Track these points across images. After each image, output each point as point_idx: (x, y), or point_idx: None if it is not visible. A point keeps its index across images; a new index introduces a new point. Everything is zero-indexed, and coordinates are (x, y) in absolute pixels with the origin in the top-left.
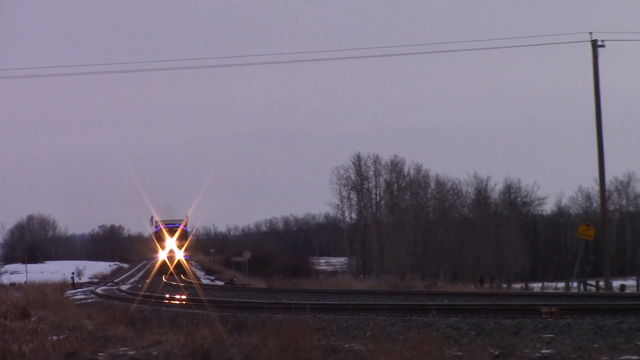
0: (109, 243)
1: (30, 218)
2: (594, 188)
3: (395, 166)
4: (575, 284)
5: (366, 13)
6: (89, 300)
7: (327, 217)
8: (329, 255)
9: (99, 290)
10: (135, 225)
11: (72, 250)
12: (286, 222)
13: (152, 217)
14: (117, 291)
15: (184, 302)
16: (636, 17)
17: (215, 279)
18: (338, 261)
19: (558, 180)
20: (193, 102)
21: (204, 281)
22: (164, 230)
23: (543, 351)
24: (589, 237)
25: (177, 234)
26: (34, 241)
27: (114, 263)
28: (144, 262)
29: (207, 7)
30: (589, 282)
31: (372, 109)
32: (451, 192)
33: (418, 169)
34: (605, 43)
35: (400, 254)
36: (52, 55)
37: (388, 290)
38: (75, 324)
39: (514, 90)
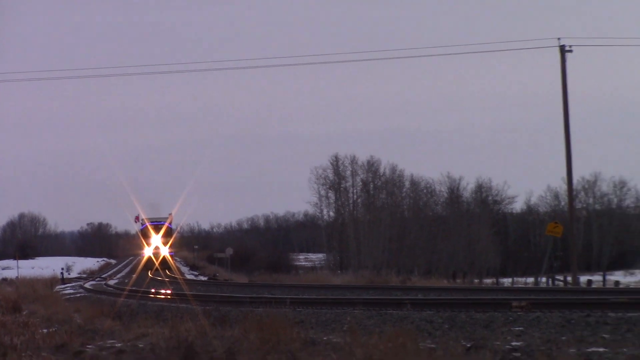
0: (97, 240)
1: (22, 216)
2: (562, 187)
3: (372, 166)
4: (544, 279)
5: (342, 19)
6: (78, 295)
7: (306, 215)
8: (308, 251)
9: (87, 285)
10: (122, 222)
11: (61, 246)
12: (267, 219)
13: (138, 215)
14: (104, 286)
15: (169, 297)
16: (602, 23)
17: (199, 275)
18: (317, 257)
19: (527, 180)
20: (177, 104)
21: (188, 276)
22: (149, 227)
23: (513, 343)
24: (557, 234)
25: (162, 231)
26: (25, 238)
27: (101, 259)
28: (130, 258)
29: (192, 14)
30: (557, 277)
31: (349, 111)
32: (425, 191)
33: (393, 169)
34: (572, 48)
35: (376, 250)
36: (41, 60)
37: (364, 285)
38: (65, 317)
39: (486, 93)
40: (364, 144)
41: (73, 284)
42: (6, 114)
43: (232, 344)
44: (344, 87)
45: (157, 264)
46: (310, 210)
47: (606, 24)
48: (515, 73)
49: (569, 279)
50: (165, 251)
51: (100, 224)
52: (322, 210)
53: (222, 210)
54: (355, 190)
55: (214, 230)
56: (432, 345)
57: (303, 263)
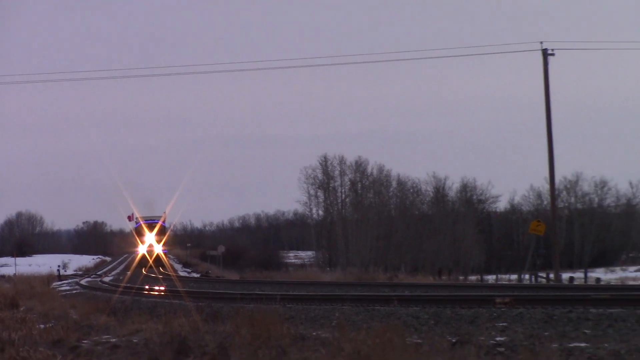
0: (92, 238)
1: (19, 215)
2: (545, 187)
3: (359, 166)
4: (527, 276)
5: (331, 24)
6: (74, 291)
7: (295, 213)
8: (298, 249)
9: (83, 282)
10: (117, 221)
11: (58, 244)
12: (258, 218)
13: (132, 214)
14: (100, 283)
15: (162, 293)
16: (583, 28)
17: (191, 272)
18: (306, 255)
19: (511, 180)
20: (171, 106)
21: (181, 273)
22: (143, 225)
23: (497, 339)
24: (540, 232)
25: (156, 229)
26: (23, 236)
27: (97, 256)
28: (125, 256)
29: (187, 18)
30: (540, 274)
31: (337, 113)
32: (411, 190)
33: (380, 169)
34: (554, 52)
35: (364, 248)
36: (38, 63)
37: (353, 281)
38: (61, 313)
39: (471, 95)
40: (352, 144)
41: (69, 281)
42: (4, 115)
43: (224, 339)
44: (333, 89)
45: (151, 261)
46: (300, 209)
47: (587, 28)
48: (499, 76)
49: (552, 276)
50: (159, 249)
51: (95, 223)
52: (311, 209)
53: (214, 209)
54: (343, 190)
55: (207, 228)
56: (419, 341)
57: (293, 260)
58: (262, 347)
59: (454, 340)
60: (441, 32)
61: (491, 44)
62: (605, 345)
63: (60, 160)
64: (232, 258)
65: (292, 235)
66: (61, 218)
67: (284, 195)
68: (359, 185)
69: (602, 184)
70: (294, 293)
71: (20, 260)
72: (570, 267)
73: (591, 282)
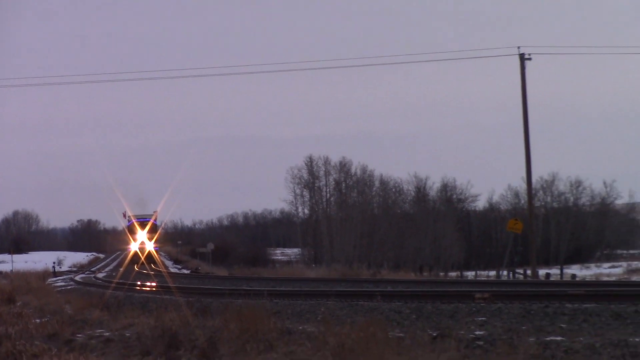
0: (86, 235)
1: (16, 213)
2: (522, 186)
3: (344, 167)
4: (505, 273)
5: (317, 31)
6: (69, 287)
7: (282, 212)
8: (284, 246)
9: (77, 278)
10: (110, 219)
11: (53, 242)
12: (246, 216)
13: (125, 212)
14: (94, 279)
15: (154, 289)
16: (559, 33)
17: (182, 268)
18: (292, 252)
19: (489, 179)
20: (162, 108)
21: (172, 270)
22: (135, 224)
23: (476, 332)
24: (517, 230)
25: (147, 227)
26: (19, 234)
27: (91, 254)
28: (118, 253)
29: (179, 23)
30: (518, 270)
31: (322, 115)
32: (393, 190)
33: (364, 170)
34: (531, 56)
35: (348, 245)
36: (35, 67)
37: (337, 278)
38: (56, 308)
39: (451, 98)
40: (337, 146)
41: (64, 277)
42: (2, 117)
43: (213, 333)
44: (319, 93)
45: (142, 258)
46: (286, 207)
47: (563, 34)
48: (478, 79)
49: (529, 272)
50: (150, 246)
51: (89, 221)
52: (297, 208)
53: (203, 207)
54: (328, 189)
55: (196, 226)
56: (401, 334)
57: (279, 257)
58: (250, 340)
59: (434, 334)
60: (423, 37)
61: (471, 49)
62: (581, 339)
63: (55, 161)
64: (221, 255)
65: (279, 233)
66: (56, 216)
67: (271, 194)
68: (343, 185)
69: (577, 184)
70: (281, 289)
71: (16, 257)
72: (547, 263)
73: (567, 278)
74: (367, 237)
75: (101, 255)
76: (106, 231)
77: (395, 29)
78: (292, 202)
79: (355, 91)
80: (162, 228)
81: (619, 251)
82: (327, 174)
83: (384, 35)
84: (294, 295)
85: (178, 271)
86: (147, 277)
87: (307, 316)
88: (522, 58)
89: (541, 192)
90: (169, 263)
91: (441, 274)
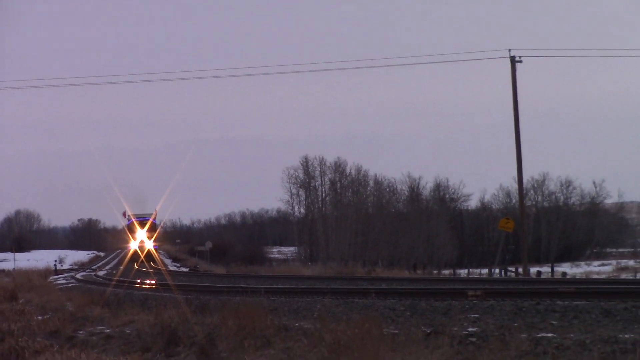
0: (87, 234)
1: (18, 212)
2: (513, 186)
3: (339, 167)
4: (497, 270)
5: (310, 34)
6: (70, 285)
7: (279, 211)
8: (281, 245)
9: (78, 275)
10: (110, 218)
11: (54, 240)
12: (243, 215)
13: (124, 211)
14: (94, 277)
15: (153, 286)
16: (549, 37)
17: (180, 266)
18: (289, 250)
19: (481, 179)
20: (161, 110)
21: (171, 268)
22: (135, 222)
23: (469, 329)
24: (509, 229)
25: (147, 226)
26: (21, 233)
27: (91, 252)
28: (118, 251)
29: (175, 27)
30: (509, 268)
31: (318, 117)
32: (387, 189)
33: (358, 170)
34: (522, 59)
35: (343, 243)
36: (36, 70)
37: (333, 275)
38: (58, 305)
39: (443, 100)
40: (332, 146)
41: (65, 275)
42: (4, 118)
43: (211, 330)
44: (314, 95)
45: (142, 256)
46: (283, 207)
47: (553, 37)
48: (470, 81)
49: (520, 270)
50: (149, 244)
51: (90, 220)
52: (293, 207)
53: (202, 207)
54: (323, 189)
55: (195, 225)
56: (395, 331)
57: (276, 256)
58: (248, 337)
59: (428, 331)
60: (417, 40)
61: (463, 52)
62: (571, 335)
63: (56, 161)
64: (219, 253)
65: (276, 231)
66: (58, 216)
67: (268, 194)
68: (338, 184)
69: (568, 184)
70: (278, 286)
71: (19, 255)
72: (538, 262)
73: (557, 275)
74: (362, 236)
75: (101, 254)
76: (106, 230)
77: (390, 32)
78: (289, 201)
79: (350, 93)
80: (161, 227)
81: (609, 249)
82: (322, 174)
83: (378, 39)
84: (290, 293)
85: (177, 269)
86: (147, 275)
87: (303, 313)
88: (513, 61)
89: (532, 191)
90: (168, 261)
91: (434, 271)
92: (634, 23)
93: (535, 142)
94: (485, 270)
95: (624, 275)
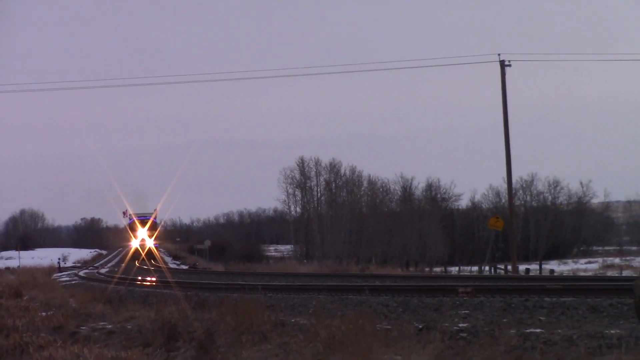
0: (89, 233)
1: (23, 212)
2: (503, 186)
3: (334, 167)
4: (487, 268)
5: (306, 37)
6: (73, 282)
7: (275, 211)
8: (277, 243)
9: (81, 273)
10: (112, 217)
11: (58, 239)
12: (241, 215)
13: (126, 211)
14: (97, 274)
15: (154, 284)
16: (537, 41)
17: (180, 264)
18: (285, 248)
19: (472, 180)
20: (161, 112)
21: (171, 265)
22: (136, 221)
23: (460, 325)
24: (499, 228)
25: (148, 225)
26: (26, 231)
27: (94, 250)
28: (119, 250)
29: (174, 31)
30: (499, 266)
31: (314, 119)
32: (381, 189)
33: (353, 170)
34: (511, 63)
35: (338, 242)
36: (40, 73)
37: (328, 273)
38: (61, 302)
39: (435, 102)
40: (327, 147)
41: (69, 273)
42: (9, 120)
43: (210, 326)
44: (310, 98)
45: (143, 254)
46: (279, 206)
47: (541, 42)
48: (461, 84)
49: (509, 267)
50: (150, 243)
51: (92, 219)
52: (289, 207)
53: (201, 206)
54: (319, 189)
55: (194, 224)
56: (388, 327)
57: (273, 254)
58: (245, 332)
59: (420, 327)
60: (410, 45)
61: (455, 56)
62: (559, 331)
63: (60, 162)
64: (218, 251)
65: (272, 230)
66: (61, 215)
67: (265, 193)
68: (333, 184)
69: (555, 184)
70: (274, 283)
71: (23, 253)
72: (526, 259)
73: (545, 273)
74: (356, 235)
75: (104, 252)
76: (108, 229)
77: (384, 37)
78: (285, 201)
79: (345, 96)
80: (162, 226)
81: (595, 248)
82: (318, 174)
83: (372, 43)
84: (287, 290)
85: (177, 267)
86: (148, 273)
87: (299, 309)
88: (503, 65)
89: (521, 191)
90: (168, 259)
91: (426, 269)
92: (620, 29)
93: (524, 143)
94: (475, 268)
95: (609, 273)
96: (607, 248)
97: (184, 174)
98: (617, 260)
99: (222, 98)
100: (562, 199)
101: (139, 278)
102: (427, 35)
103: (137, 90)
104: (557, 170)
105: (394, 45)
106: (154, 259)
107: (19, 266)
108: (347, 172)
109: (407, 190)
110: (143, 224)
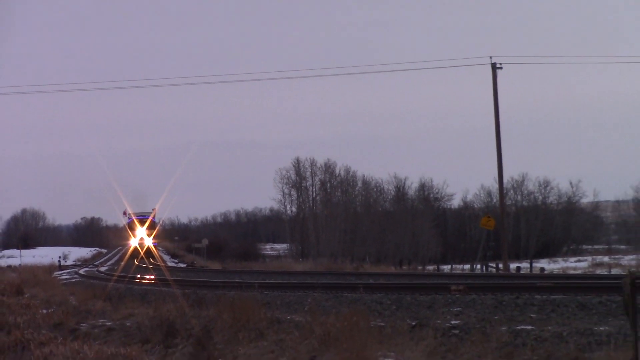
0: (89, 232)
1: (24, 211)
2: (494, 186)
3: (328, 168)
4: (478, 266)
5: (301, 40)
6: (73, 280)
7: (271, 210)
8: (274, 242)
9: (81, 271)
10: (112, 217)
11: (58, 238)
12: (238, 214)
13: (125, 210)
14: (96, 272)
15: (152, 281)
16: (528, 44)
17: (178, 262)
18: (281, 247)
19: (464, 180)
20: (160, 114)
21: (169, 264)
22: (135, 221)
23: (452, 322)
24: (490, 227)
25: (146, 224)
26: (27, 230)
27: (94, 249)
28: (119, 248)
29: (171, 34)
30: (490, 264)
31: (309, 120)
32: (375, 189)
33: (347, 170)
34: (502, 65)
35: (333, 241)
36: (40, 75)
37: (323, 271)
38: (62, 299)
39: (428, 104)
40: (322, 148)
41: (69, 271)
42: (11, 122)
43: (208, 323)
44: (305, 99)
45: (142, 253)
46: (275, 206)
47: (532, 45)
48: (454, 86)
49: (501, 265)
50: (149, 242)
51: (92, 218)
52: (285, 206)
53: (199, 205)
54: (314, 189)
55: (192, 223)
56: (382, 324)
57: (269, 252)
58: (242, 329)
59: (413, 324)
60: (403, 48)
61: (448, 59)
62: (549, 327)
63: (61, 163)
64: (215, 250)
65: (269, 229)
66: (62, 214)
67: (261, 193)
68: (328, 184)
69: (546, 184)
70: (271, 281)
71: (24, 252)
72: (517, 258)
73: (536, 271)
74: (351, 233)
75: (103, 251)
76: (108, 228)
77: (378, 40)
78: (281, 200)
79: (340, 98)
80: (160, 225)
81: (584, 246)
82: (313, 174)
83: (367, 46)
84: (282, 287)
85: (175, 265)
86: (146, 271)
87: (295, 307)
88: (494, 67)
89: (512, 191)
90: (166, 257)
91: (419, 267)
92: (610, 31)
93: (515, 144)
94: (467, 266)
95: (599, 271)
96: (596, 247)
97: (182, 174)
98: (606, 259)
99: (220, 100)
100: (552, 198)
101: (138, 276)
102: (422, 38)
103: (136, 91)
104: (548, 171)
105: (389, 47)
106: (153, 257)
107: (20, 264)
108: (342, 173)
109: (400, 190)
110: (142, 223)
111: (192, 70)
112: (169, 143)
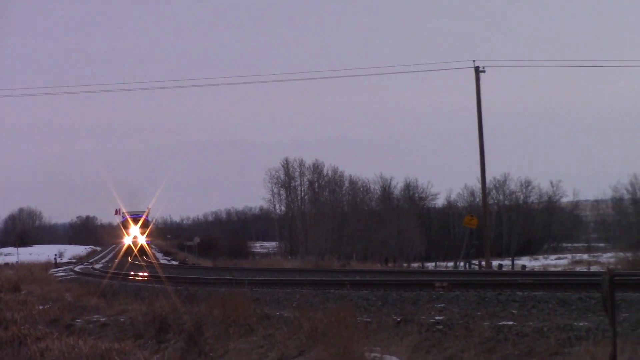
0: (85, 230)
1: (21, 210)
2: (477, 186)
3: (317, 168)
4: (462, 264)
5: (290, 43)
6: (69, 277)
7: (261, 209)
8: (263, 240)
9: (77, 268)
10: (106, 215)
11: (54, 236)
12: (228, 213)
13: (119, 209)
14: (91, 269)
15: (145, 278)
16: (509, 48)
17: (171, 260)
18: (270, 245)
19: (448, 180)
20: (153, 115)
21: (162, 261)
22: (129, 219)
23: (436, 317)
24: (473, 225)
25: (140, 223)
26: (24, 229)
27: (89, 247)
28: (113, 246)
29: (164, 38)
30: (473, 262)
31: (298, 121)
32: (361, 189)
33: (335, 171)
34: (485, 69)
35: (321, 239)
36: (38, 78)
37: (311, 268)
38: (58, 296)
39: (413, 106)
40: (311, 149)
41: (65, 268)
42: (8, 122)
43: (199, 319)
44: (294, 101)
45: (135, 250)
46: (265, 205)
47: (514, 50)
48: (437, 89)
49: (483, 263)
50: (142, 240)
51: (87, 217)
52: (275, 205)
53: (190, 204)
54: (302, 189)
55: (184, 221)
56: (368, 319)
57: (259, 250)
58: (233, 325)
59: (398, 319)
60: (389, 52)
61: (432, 62)
62: (530, 323)
63: (57, 162)
64: (206, 248)
65: (258, 227)
66: (58, 213)
67: (251, 193)
68: (316, 184)
69: (527, 184)
70: (260, 278)
71: (21, 250)
72: (499, 255)
73: (517, 268)
74: (338, 232)
75: (98, 248)
76: (103, 226)
77: (364, 44)
78: (270, 200)
79: (328, 100)
80: (153, 223)
81: (565, 244)
82: (301, 174)
83: (354, 50)
84: (272, 284)
85: (167, 262)
86: (140, 268)
87: (283, 303)
88: (477, 70)
89: (494, 191)
90: (159, 255)
91: (404, 265)
92: (586, 36)
93: (498, 145)
94: (451, 264)
95: (578, 268)
96: (576, 245)
97: (174, 174)
98: (585, 257)
99: (212, 102)
100: (533, 198)
101: (132, 273)
102: (406, 43)
103: (129, 93)
104: (529, 171)
105: (375, 52)
106: (146, 255)
107: (17, 262)
108: (330, 173)
109: (386, 189)
110: (135, 221)
111: (183, 72)
112: (162, 143)
